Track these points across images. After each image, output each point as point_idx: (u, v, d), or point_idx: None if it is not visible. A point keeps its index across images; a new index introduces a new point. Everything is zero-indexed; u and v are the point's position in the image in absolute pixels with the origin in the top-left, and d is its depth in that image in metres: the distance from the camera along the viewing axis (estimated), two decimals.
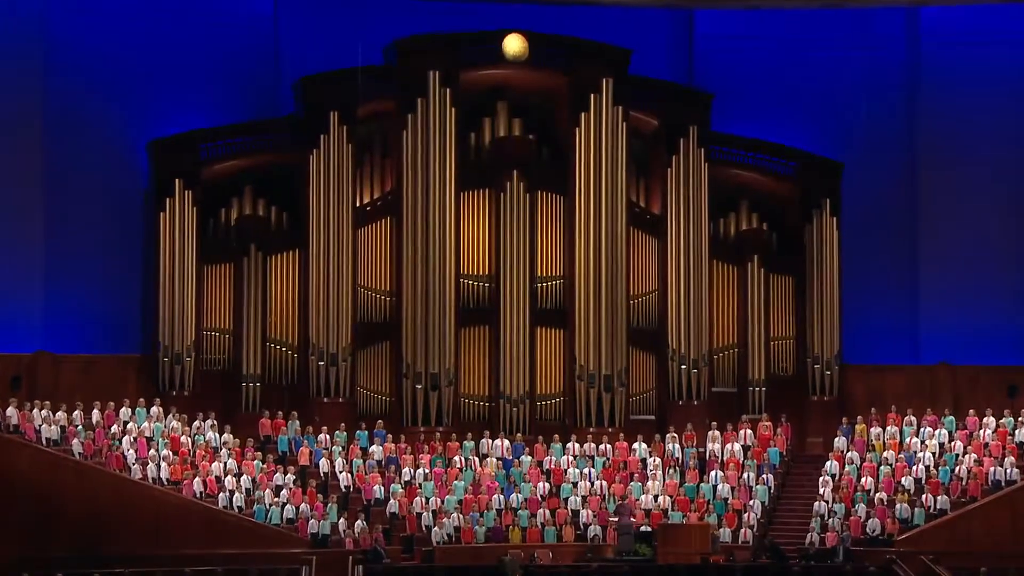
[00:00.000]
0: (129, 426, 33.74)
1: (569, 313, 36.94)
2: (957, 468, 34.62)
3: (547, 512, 34.11)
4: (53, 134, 35.81)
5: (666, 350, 37.16)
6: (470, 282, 36.89)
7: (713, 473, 34.96)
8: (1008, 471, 34.28)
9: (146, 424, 33.83)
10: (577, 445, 35.57)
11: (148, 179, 36.09)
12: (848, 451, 35.52)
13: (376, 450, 34.81)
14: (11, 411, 33.09)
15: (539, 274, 36.94)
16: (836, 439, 35.83)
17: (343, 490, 34.09)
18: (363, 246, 36.47)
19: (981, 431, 35.34)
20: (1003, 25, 37.91)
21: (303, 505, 32.99)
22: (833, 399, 37.14)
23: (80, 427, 33.42)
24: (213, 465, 33.46)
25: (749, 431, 35.97)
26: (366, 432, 35.15)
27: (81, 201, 35.94)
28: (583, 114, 36.80)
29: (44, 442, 33.06)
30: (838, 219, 37.43)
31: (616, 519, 33.42)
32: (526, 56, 36.73)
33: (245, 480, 33.34)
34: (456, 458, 34.97)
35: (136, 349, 35.99)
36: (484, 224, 36.89)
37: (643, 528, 33.18)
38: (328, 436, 34.83)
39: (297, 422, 34.94)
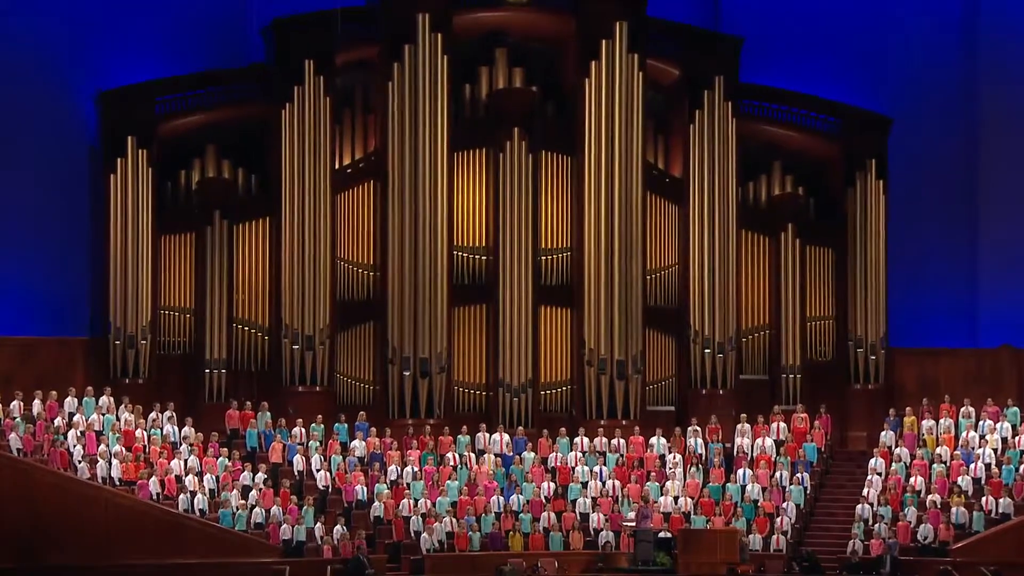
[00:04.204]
0: (75, 418, 33.50)
1: (577, 290, 36.75)
2: (1022, 467, 34.37)
3: (552, 516, 34.07)
4: None
5: (688, 332, 37.07)
6: (465, 255, 36.64)
7: (741, 472, 34.94)
8: None
9: (95, 416, 33.63)
10: (586, 440, 35.54)
11: (96, 136, 35.80)
12: (896, 447, 35.47)
13: (358, 445, 34.66)
14: None
15: (543, 246, 36.80)
16: (882, 433, 35.80)
17: (320, 491, 33.98)
18: (343, 214, 36.25)
19: None
20: None
21: (275, 508, 32.89)
22: (878, 387, 37.14)
23: (18, 420, 33.00)
24: (172, 463, 33.25)
25: (782, 424, 35.87)
26: (346, 425, 35.03)
27: (19, 161, 35.50)
28: (594, 63, 36.63)
29: None
30: (885, 182, 37.38)
31: (632, 524, 33.21)
32: None
33: (208, 480, 33.25)
34: (449, 455, 34.86)
35: (83, 331, 35.76)
36: (481, 189, 36.66)
37: (662, 534, 33.07)
38: (303, 430, 34.70)
39: (268, 414, 34.81)
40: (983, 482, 34.15)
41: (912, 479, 34.48)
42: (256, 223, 35.82)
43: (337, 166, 36.09)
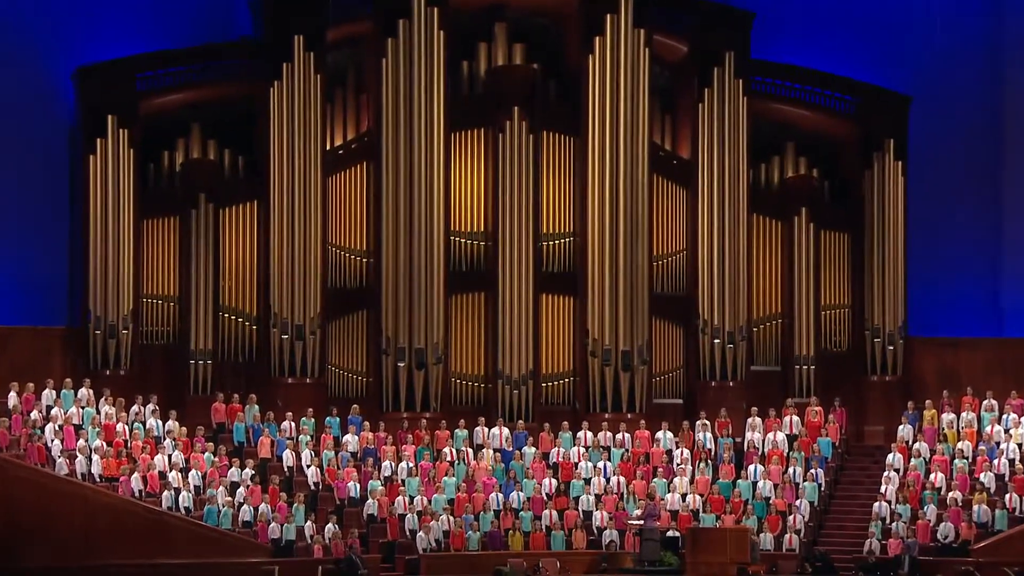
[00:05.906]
0: (53, 412, 33.45)
1: (580, 277, 36.73)
2: None
3: (554, 514, 34.03)
4: None
5: (696, 321, 37.07)
6: (462, 240, 36.60)
7: (752, 467, 34.93)
8: None
9: (74, 409, 33.56)
10: (590, 434, 35.52)
11: (75, 115, 35.68)
12: (915, 441, 35.41)
13: (350, 440, 34.63)
14: None
15: (545, 231, 36.76)
16: (900, 427, 35.77)
17: (311, 488, 33.93)
18: (334, 197, 36.21)
19: None
20: None
21: (263, 506, 32.86)
22: (896, 379, 37.18)
23: None
24: (155, 458, 33.18)
25: (795, 417, 35.86)
26: (338, 419, 35.01)
27: None
28: (598, 38, 36.59)
29: None
30: (904, 164, 37.37)
31: (637, 522, 33.14)
32: None
33: (193, 476, 33.19)
34: (446, 450, 34.82)
35: (61, 320, 35.77)
36: (479, 171, 36.61)
37: (669, 533, 33.08)
38: (293, 423, 34.68)
39: (256, 407, 34.78)
40: (1006, 479, 34.08)
41: (932, 475, 34.41)
42: (243, 207, 35.73)
43: (328, 147, 36.00)
